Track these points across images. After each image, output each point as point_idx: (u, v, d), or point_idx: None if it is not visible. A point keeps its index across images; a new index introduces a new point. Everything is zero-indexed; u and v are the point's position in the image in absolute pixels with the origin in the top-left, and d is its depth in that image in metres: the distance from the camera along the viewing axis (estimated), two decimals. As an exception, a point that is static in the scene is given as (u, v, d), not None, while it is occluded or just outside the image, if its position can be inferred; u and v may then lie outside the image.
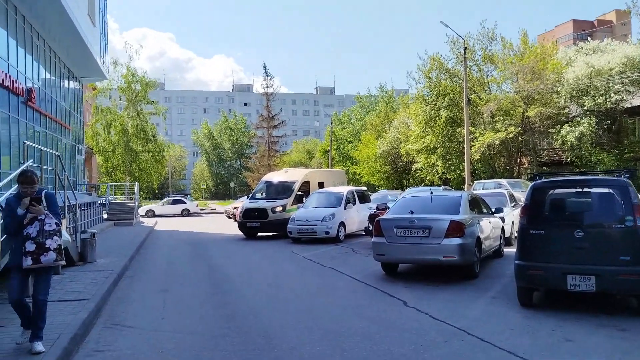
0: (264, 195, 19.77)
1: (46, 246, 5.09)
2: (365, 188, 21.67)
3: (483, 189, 20.07)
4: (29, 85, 17.00)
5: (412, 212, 9.16)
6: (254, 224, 18.23)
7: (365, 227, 16.07)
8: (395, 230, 9.06)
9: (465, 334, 5.73)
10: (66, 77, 23.40)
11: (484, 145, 29.00)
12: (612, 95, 26.72)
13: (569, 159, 28.32)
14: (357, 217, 17.21)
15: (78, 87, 26.28)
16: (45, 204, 5.21)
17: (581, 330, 5.74)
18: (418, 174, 37.39)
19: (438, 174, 34.19)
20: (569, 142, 27.06)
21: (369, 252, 11.13)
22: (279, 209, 18.15)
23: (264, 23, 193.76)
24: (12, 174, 8.44)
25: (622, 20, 76.24)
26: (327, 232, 15.82)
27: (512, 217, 13.36)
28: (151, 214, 37.86)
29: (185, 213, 39.82)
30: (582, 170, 25.91)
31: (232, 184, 72.77)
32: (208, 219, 35.86)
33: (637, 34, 47.86)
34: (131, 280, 10.04)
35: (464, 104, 27.45)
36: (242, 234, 18.80)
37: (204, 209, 46.67)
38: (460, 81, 30.28)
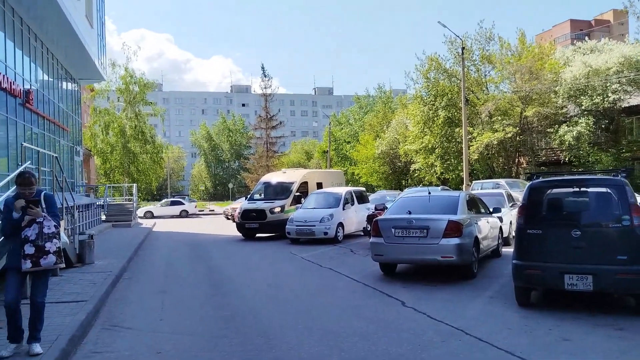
0: (263, 196, 19.77)
1: (46, 249, 5.02)
2: (363, 188, 21.67)
3: (481, 188, 20.07)
4: (27, 86, 16.99)
5: (410, 212, 9.17)
6: (252, 224, 18.23)
7: (364, 228, 16.12)
8: (393, 230, 9.06)
9: (463, 333, 5.74)
10: (64, 78, 23.37)
11: (482, 145, 29.04)
12: (609, 94, 26.80)
13: (566, 159, 28.37)
14: (355, 218, 17.21)
15: (76, 89, 26.25)
16: (44, 205, 5.16)
17: (579, 330, 5.75)
18: (416, 174, 37.45)
19: (436, 174, 34.25)
20: (566, 142, 27.12)
21: (367, 252, 11.14)
22: (277, 209, 18.15)
23: (262, 24, 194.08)
24: (10, 176, 8.40)
25: (619, 20, 76.44)
26: (326, 233, 15.82)
27: (510, 216, 13.38)
28: (150, 215, 37.88)
29: (184, 214, 39.86)
30: (580, 169, 25.96)
31: (230, 185, 72.70)
32: (206, 220, 35.84)
33: (635, 33, 47.95)
34: (129, 281, 10.03)
35: (462, 104, 27.49)
36: (240, 235, 18.80)
37: (203, 210, 46.67)
38: (458, 81, 30.32)
